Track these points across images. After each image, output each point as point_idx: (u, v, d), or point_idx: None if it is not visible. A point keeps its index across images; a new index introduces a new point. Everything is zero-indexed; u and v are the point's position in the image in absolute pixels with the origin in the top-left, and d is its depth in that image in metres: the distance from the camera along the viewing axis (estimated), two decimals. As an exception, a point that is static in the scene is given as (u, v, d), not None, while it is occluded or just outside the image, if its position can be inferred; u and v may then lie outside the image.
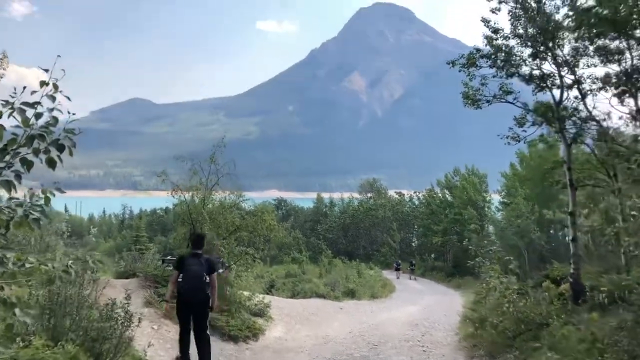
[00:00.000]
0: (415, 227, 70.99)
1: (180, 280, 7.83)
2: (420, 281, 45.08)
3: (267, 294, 23.80)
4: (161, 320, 9.31)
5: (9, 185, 3.41)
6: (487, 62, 11.71)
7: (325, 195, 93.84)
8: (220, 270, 10.30)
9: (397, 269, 45.11)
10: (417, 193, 72.71)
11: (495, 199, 51.55)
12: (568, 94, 11.27)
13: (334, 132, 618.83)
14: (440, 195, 58.78)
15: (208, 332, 8.07)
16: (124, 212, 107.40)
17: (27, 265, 3.80)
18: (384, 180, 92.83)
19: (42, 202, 3.86)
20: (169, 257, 19.55)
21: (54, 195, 3.97)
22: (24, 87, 3.42)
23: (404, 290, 37.12)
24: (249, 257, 12.00)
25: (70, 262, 4.21)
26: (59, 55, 3.71)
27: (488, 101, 12.16)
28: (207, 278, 7.83)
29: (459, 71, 12.20)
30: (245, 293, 13.49)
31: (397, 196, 75.56)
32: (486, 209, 51.71)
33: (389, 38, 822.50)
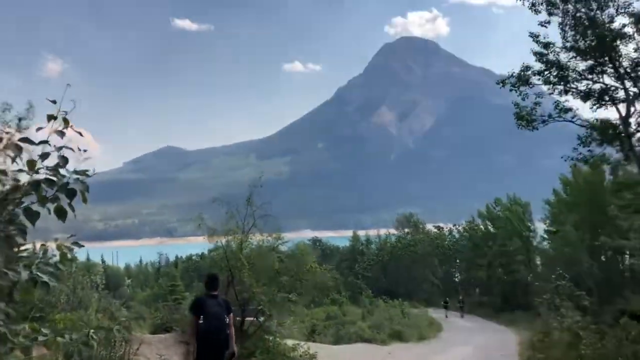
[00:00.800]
0: (457, 261, 68.96)
1: (201, 322, 7.59)
2: (468, 318, 43.20)
3: (309, 340, 22.81)
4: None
5: (9, 243, 2.78)
6: (539, 79, 10.86)
7: (361, 233, 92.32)
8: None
9: (446, 307, 42.99)
10: (457, 226, 70.94)
11: (539, 227, 49.71)
12: (635, 108, 10.29)
13: (365, 168, 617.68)
14: (482, 227, 56.98)
15: None
16: (160, 260, 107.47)
17: (41, 339, 3.15)
18: (420, 214, 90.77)
19: (56, 259, 3.23)
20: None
21: (71, 250, 3.34)
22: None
23: (451, 329, 35.47)
24: (291, 304, 11.19)
25: (92, 331, 3.54)
26: (68, 84, 3.10)
27: (544, 121, 11.24)
28: (227, 319, 7.78)
29: (510, 90, 11.34)
30: (289, 343, 12.65)
31: (436, 230, 73.72)
32: (531, 238, 49.82)
33: (415, 71, 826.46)
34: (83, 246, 3.50)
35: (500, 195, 55.51)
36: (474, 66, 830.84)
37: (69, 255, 3.34)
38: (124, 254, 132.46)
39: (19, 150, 2.67)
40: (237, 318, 11.44)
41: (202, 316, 7.60)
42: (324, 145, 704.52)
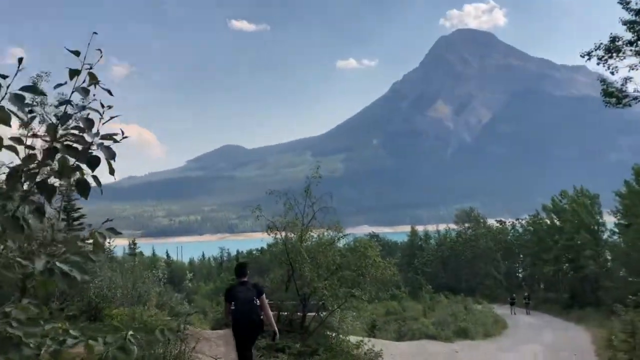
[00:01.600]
0: (521, 256, 66.61)
1: (233, 308, 8.17)
2: (533, 315, 41.34)
3: (370, 336, 22.11)
4: (262, 380, 8.06)
5: (20, 228, 2.23)
6: (631, 50, 9.68)
7: (419, 228, 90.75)
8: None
9: (512, 304, 41.10)
10: (520, 220, 68.48)
11: (608, 221, 47.12)
12: None
13: (421, 163, 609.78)
14: (547, 220, 54.48)
15: (253, 350, 8.50)
16: (222, 255, 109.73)
17: (70, 342, 2.63)
18: (478, 210, 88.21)
19: (89, 248, 2.65)
20: (268, 301, 18.48)
21: (105, 238, 2.76)
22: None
23: (517, 326, 33.99)
24: (354, 299, 10.53)
25: (130, 333, 2.99)
26: (95, 32, 2.52)
27: (636, 97, 10.05)
28: (258, 301, 8.16)
29: (597, 64, 10.21)
30: (352, 339, 12.00)
31: (498, 225, 71.27)
32: (600, 232, 47.17)
33: (472, 63, 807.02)
34: (120, 233, 2.93)
35: (574, 187, 52.90)
36: (533, 57, 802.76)
37: (102, 243, 2.70)
38: (187, 249, 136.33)
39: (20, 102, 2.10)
40: (298, 313, 10.90)
41: (233, 302, 8.15)
42: (378, 141, 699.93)
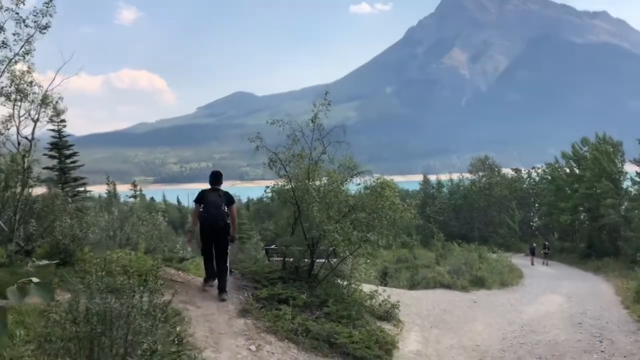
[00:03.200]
0: (537, 205, 65.42)
1: (201, 210, 8.55)
2: (549, 264, 40.29)
3: (381, 284, 21.12)
4: (262, 336, 6.86)
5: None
6: None
7: (431, 177, 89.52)
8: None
9: (532, 253, 39.77)
10: (536, 169, 66.79)
11: (629, 170, 45.42)
12: None
13: (435, 112, 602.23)
14: (566, 168, 52.73)
15: (228, 264, 8.70)
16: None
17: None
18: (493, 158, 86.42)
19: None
20: (273, 247, 17.33)
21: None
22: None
23: (533, 275, 33.01)
24: (369, 245, 9.26)
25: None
26: None
27: None
28: (226, 208, 8.47)
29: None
30: (365, 289, 10.82)
31: (513, 173, 69.59)
32: (622, 181, 45.51)
33: (489, 9, 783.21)
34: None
35: (596, 135, 51.02)
36: (554, 3, 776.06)
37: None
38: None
39: None
40: (306, 260, 9.68)
41: (202, 205, 8.56)
42: (392, 89, 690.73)
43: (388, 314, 10.08)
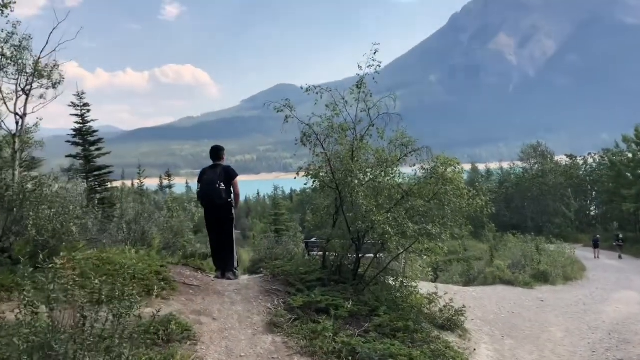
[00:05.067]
0: (594, 193, 61.78)
1: (198, 190, 8.10)
2: (608, 255, 37.15)
3: (432, 280, 19.22)
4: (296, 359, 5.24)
5: None
6: None
7: (480, 166, 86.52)
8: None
9: (596, 246, 36.54)
10: (593, 154, 63.00)
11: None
12: None
13: (481, 99, 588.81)
14: (628, 153, 49.08)
15: (234, 242, 8.22)
16: (276, 193, 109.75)
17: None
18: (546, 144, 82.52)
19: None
20: (313, 240, 15.72)
21: None
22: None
23: (597, 268, 30.34)
24: (428, 239, 7.44)
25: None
26: None
27: None
28: (222, 185, 7.84)
29: None
30: (423, 292, 9.03)
31: (568, 160, 65.86)
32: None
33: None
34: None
35: (635, 125, 47.56)
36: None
37: None
38: (243, 187, 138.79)
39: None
40: (349, 256, 7.99)
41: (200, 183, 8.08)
42: (436, 77, 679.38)
43: (451, 323, 8.26)
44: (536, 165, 67.63)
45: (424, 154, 7.74)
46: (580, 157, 66.27)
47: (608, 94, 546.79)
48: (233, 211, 8.15)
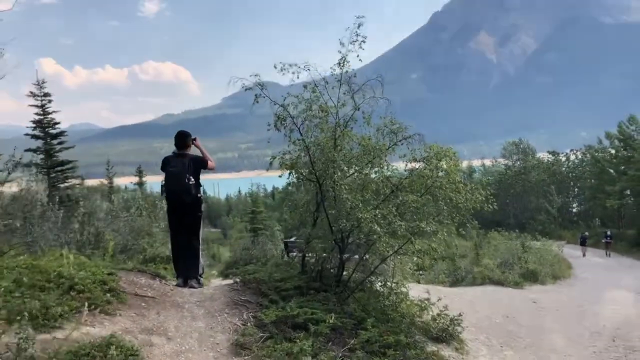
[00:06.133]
0: (576, 190, 61.80)
1: (162, 183, 7.06)
2: (594, 252, 36.69)
3: (418, 281, 18.33)
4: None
5: None
6: None
7: (464, 164, 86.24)
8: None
9: (583, 244, 35.84)
10: (575, 151, 62.97)
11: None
12: None
13: (462, 97, 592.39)
14: (611, 150, 48.97)
15: (200, 244, 7.15)
16: (255, 190, 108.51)
17: None
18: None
19: None
20: (293, 239, 14.65)
21: None
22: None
23: (583, 265, 29.92)
24: (422, 238, 6.50)
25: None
26: None
27: None
28: (191, 179, 6.82)
29: None
30: (413, 298, 8.10)
31: (550, 156, 65.73)
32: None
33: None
34: None
35: (614, 123, 47.78)
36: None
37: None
38: (224, 185, 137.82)
39: None
40: (334, 258, 7.02)
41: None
42: (418, 75, 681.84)
43: (446, 333, 7.34)
44: (518, 162, 67.53)
45: (416, 142, 6.77)
46: (563, 153, 66.24)
47: (587, 92, 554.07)
48: (202, 208, 7.21)
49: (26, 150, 14.47)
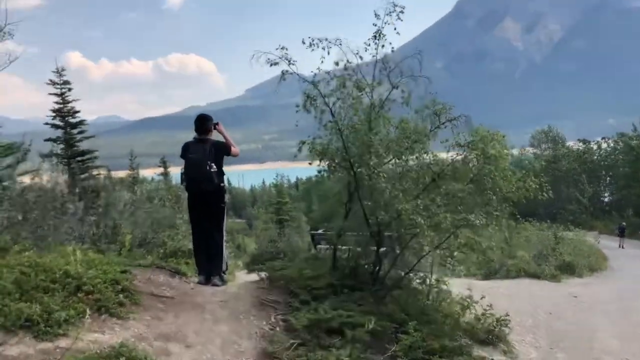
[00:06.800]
0: (608, 179, 60.00)
1: (182, 171, 6.44)
2: (633, 244, 35.37)
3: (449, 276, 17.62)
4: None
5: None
6: None
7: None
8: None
9: (621, 235, 34.55)
10: (606, 139, 61.16)
11: None
12: None
13: (487, 86, 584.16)
14: (649, 136, 47.39)
15: (224, 238, 6.53)
16: (279, 181, 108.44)
17: None
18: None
19: None
20: (320, 231, 13.97)
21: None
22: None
23: (618, 257, 28.79)
24: (472, 231, 5.83)
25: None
26: None
27: None
28: (213, 166, 6.18)
29: None
30: (455, 296, 7.45)
31: (581, 145, 63.91)
32: None
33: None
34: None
35: None
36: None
37: None
38: (249, 177, 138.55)
39: None
40: (369, 253, 6.42)
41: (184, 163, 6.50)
42: (442, 64, 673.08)
43: (493, 335, 6.67)
44: (547, 151, 65.92)
45: (462, 125, 6.08)
46: (594, 141, 64.39)
47: (616, 79, 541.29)
48: (225, 198, 6.59)
49: (46, 140, 14.15)
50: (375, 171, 5.45)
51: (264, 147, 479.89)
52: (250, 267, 11.80)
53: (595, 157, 61.01)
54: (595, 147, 63.02)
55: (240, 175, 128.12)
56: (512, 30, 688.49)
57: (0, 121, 11.96)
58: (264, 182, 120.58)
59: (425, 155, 6.31)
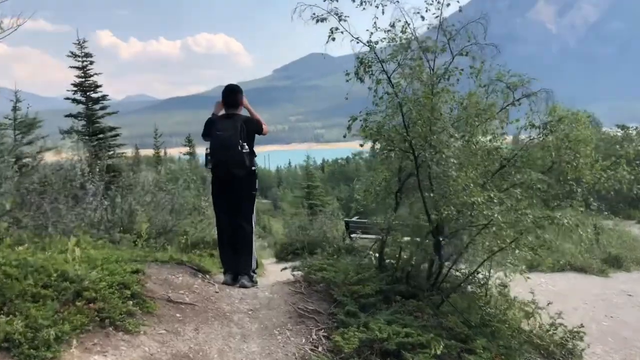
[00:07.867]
0: (645, 166, 57.86)
1: (207, 150, 5.38)
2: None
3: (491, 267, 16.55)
4: None
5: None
6: None
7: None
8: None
9: None
10: (641, 127, 58.75)
11: None
12: None
13: (519, 70, 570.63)
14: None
15: (253, 226, 5.53)
16: (307, 162, 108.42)
17: None
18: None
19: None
20: (355, 219, 13.09)
21: None
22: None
23: (660, 247, 27.11)
24: (556, 228, 4.81)
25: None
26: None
27: None
28: (245, 146, 5.24)
29: None
30: (515, 300, 6.48)
31: (619, 131, 61.49)
32: None
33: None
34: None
35: None
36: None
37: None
38: (275, 157, 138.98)
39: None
40: (432, 249, 5.46)
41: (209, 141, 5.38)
42: (474, 47, 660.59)
43: (566, 350, 5.69)
44: (583, 137, 63.72)
45: (541, 101, 5.03)
46: (633, 127, 61.96)
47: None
48: (257, 184, 5.62)
49: (66, 116, 13.45)
50: (444, 156, 4.45)
51: (290, 128, 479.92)
52: (279, 256, 10.98)
53: (634, 144, 58.78)
54: (634, 132, 60.73)
55: (266, 156, 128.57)
56: (546, 12, 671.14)
57: (31, 99, 11.35)
58: (290, 163, 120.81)
59: (494, 137, 5.29)
